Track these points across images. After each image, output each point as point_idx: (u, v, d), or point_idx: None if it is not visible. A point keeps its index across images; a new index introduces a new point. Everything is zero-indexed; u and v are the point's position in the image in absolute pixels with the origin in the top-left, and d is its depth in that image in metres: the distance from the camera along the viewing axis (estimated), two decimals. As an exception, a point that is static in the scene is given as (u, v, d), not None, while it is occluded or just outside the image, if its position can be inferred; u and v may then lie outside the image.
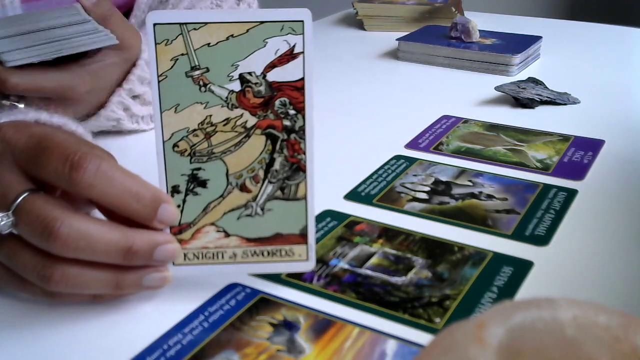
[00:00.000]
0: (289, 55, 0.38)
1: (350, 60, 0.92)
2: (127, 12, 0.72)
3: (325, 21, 1.15)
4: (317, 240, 0.46)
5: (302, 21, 0.37)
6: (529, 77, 0.79)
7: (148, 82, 0.61)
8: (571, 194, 0.53)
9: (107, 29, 0.55)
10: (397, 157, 0.60)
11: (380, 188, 0.54)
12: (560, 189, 0.54)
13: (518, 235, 0.47)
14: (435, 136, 0.64)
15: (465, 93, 0.77)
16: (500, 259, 0.44)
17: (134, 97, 0.61)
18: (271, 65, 0.38)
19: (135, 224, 0.38)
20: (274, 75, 0.38)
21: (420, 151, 0.61)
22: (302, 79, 0.38)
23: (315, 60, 0.38)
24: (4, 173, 0.38)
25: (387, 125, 0.68)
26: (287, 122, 0.39)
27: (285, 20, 0.37)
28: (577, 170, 0.57)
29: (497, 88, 0.74)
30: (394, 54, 0.93)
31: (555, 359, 0.25)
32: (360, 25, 1.09)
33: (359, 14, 1.09)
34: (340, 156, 0.60)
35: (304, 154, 0.39)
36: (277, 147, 0.39)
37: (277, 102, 0.38)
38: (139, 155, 0.60)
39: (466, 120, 0.68)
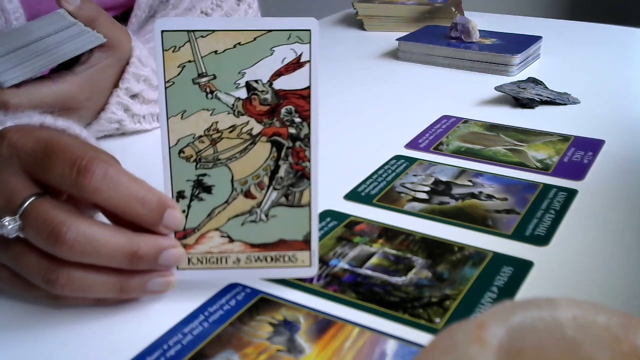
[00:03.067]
0: (296, 64, 0.38)
1: (350, 61, 0.92)
2: (127, 11, 0.72)
3: (325, 21, 1.15)
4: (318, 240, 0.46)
5: (309, 30, 0.38)
6: (529, 77, 0.79)
7: (144, 80, 0.61)
8: (571, 194, 0.53)
9: (95, 29, 0.55)
10: (397, 157, 0.60)
11: (380, 188, 0.54)
12: (560, 189, 0.54)
13: (518, 235, 0.47)
14: (435, 136, 0.64)
15: (465, 93, 0.77)
16: (500, 259, 0.44)
17: (133, 96, 0.61)
18: (278, 74, 0.38)
19: (140, 228, 0.38)
20: (280, 84, 0.38)
21: (420, 151, 0.61)
22: (308, 87, 0.38)
23: (321, 68, 0.38)
24: (11, 177, 0.38)
25: (387, 125, 0.68)
26: (292, 130, 0.39)
27: (293, 29, 0.38)
28: (577, 170, 0.57)
29: (497, 88, 0.74)
30: (394, 54, 0.93)
31: (555, 359, 0.25)
32: (360, 25, 1.09)
33: (359, 14, 1.09)
34: (341, 156, 0.60)
35: (309, 161, 0.39)
36: (282, 154, 0.39)
37: (283, 110, 0.39)
38: (140, 156, 0.60)
39: (466, 120, 0.68)
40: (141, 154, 0.61)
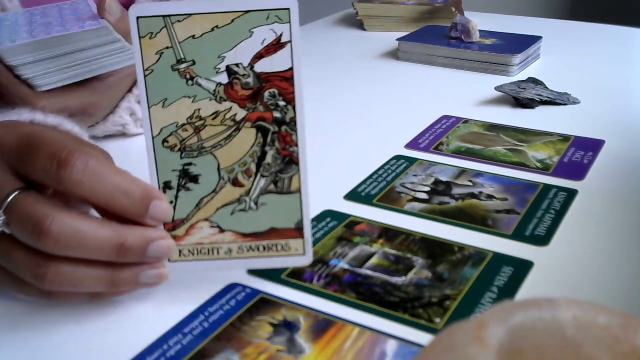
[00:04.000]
0: (276, 45, 0.37)
1: (350, 60, 0.92)
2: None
3: (325, 21, 1.15)
4: (318, 240, 0.46)
5: (287, 9, 0.37)
6: (529, 77, 0.79)
7: None
8: (571, 194, 0.53)
9: (129, 41, 0.55)
10: (397, 157, 0.60)
11: (380, 188, 0.54)
12: (560, 189, 0.54)
13: (518, 235, 0.47)
14: (435, 136, 0.64)
15: (465, 93, 0.77)
16: (500, 259, 0.44)
17: (139, 101, 0.61)
18: (258, 56, 0.37)
19: (130, 221, 0.38)
20: (261, 66, 0.37)
21: (420, 151, 0.61)
22: (291, 68, 0.38)
23: (304, 50, 0.37)
24: None
25: (387, 125, 0.68)
26: (277, 114, 0.38)
27: (271, 9, 0.37)
28: (577, 170, 0.57)
29: (497, 88, 0.74)
30: (394, 54, 0.93)
31: (555, 359, 0.25)
32: (360, 25, 1.09)
33: (359, 14, 1.09)
34: (341, 156, 0.60)
35: (296, 146, 0.38)
36: (268, 139, 0.38)
37: (266, 94, 0.38)
38: (139, 155, 0.60)
39: (466, 120, 0.68)
40: (139, 151, 0.61)
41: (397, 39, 0.93)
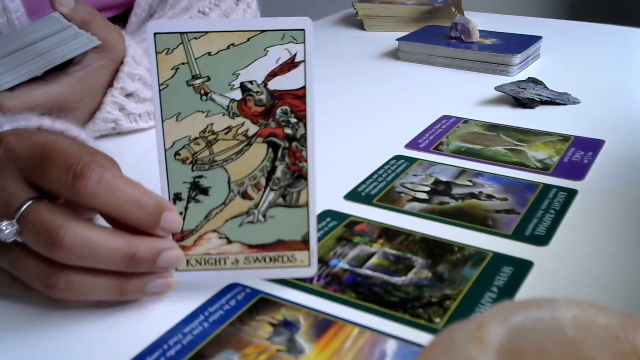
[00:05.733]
0: (290, 64, 0.38)
1: (350, 61, 0.92)
2: (127, 11, 0.72)
3: (325, 21, 1.15)
4: (318, 240, 0.46)
5: (303, 30, 0.38)
6: (529, 77, 0.79)
7: (139, 78, 0.61)
8: (571, 194, 0.53)
9: (89, 32, 0.54)
10: (397, 157, 0.60)
11: (380, 188, 0.54)
12: (560, 189, 0.54)
13: (518, 235, 0.47)
14: (435, 136, 0.64)
15: (465, 93, 0.77)
16: (500, 259, 0.44)
17: (128, 95, 0.61)
18: (272, 74, 0.38)
19: (139, 230, 0.38)
20: (275, 84, 0.38)
21: (420, 151, 0.61)
22: (304, 87, 0.38)
23: (316, 67, 0.38)
24: (8, 182, 0.38)
25: (387, 125, 0.68)
26: (288, 130, 0.39)
27: (286, 29, 0.38)
28: (577, 170, 0.57)
29: (497, 88, 0.74)
30: (394, 54, 0.93)
31: (555, 359, 0.25)
32: (360, 25, 1.09)
33: (359, 14, 1.09)
34: (340, 156, 0.60)
35: (306, 161, 0.39)
36: (279, 155, 0.39)
37: (278, 111, 0.39)
38: (139, 156, 0.60)
39: (466, 120, 0.68)
40: (140, 154, 0.61)
41: (397, 39, 0.93)
